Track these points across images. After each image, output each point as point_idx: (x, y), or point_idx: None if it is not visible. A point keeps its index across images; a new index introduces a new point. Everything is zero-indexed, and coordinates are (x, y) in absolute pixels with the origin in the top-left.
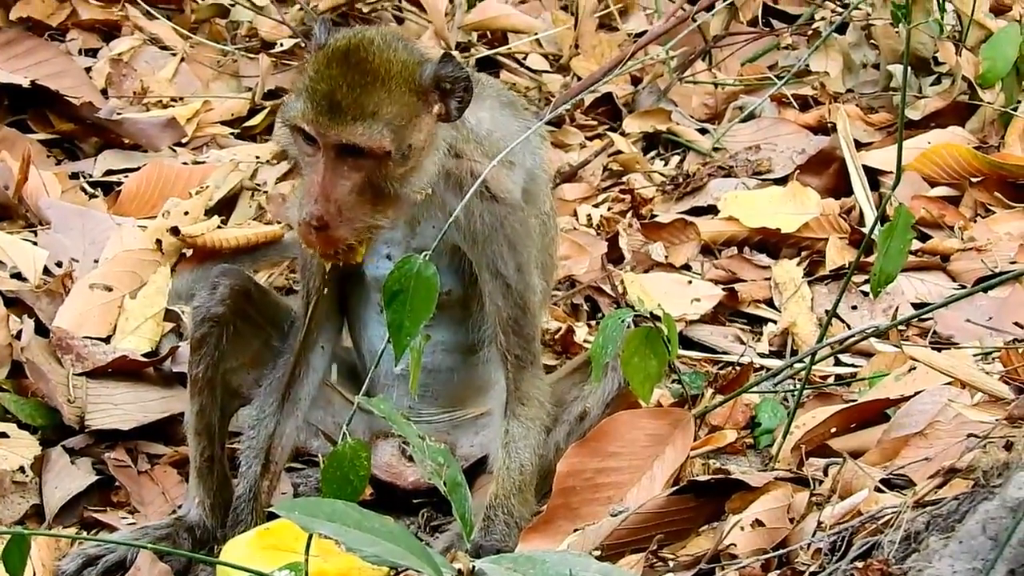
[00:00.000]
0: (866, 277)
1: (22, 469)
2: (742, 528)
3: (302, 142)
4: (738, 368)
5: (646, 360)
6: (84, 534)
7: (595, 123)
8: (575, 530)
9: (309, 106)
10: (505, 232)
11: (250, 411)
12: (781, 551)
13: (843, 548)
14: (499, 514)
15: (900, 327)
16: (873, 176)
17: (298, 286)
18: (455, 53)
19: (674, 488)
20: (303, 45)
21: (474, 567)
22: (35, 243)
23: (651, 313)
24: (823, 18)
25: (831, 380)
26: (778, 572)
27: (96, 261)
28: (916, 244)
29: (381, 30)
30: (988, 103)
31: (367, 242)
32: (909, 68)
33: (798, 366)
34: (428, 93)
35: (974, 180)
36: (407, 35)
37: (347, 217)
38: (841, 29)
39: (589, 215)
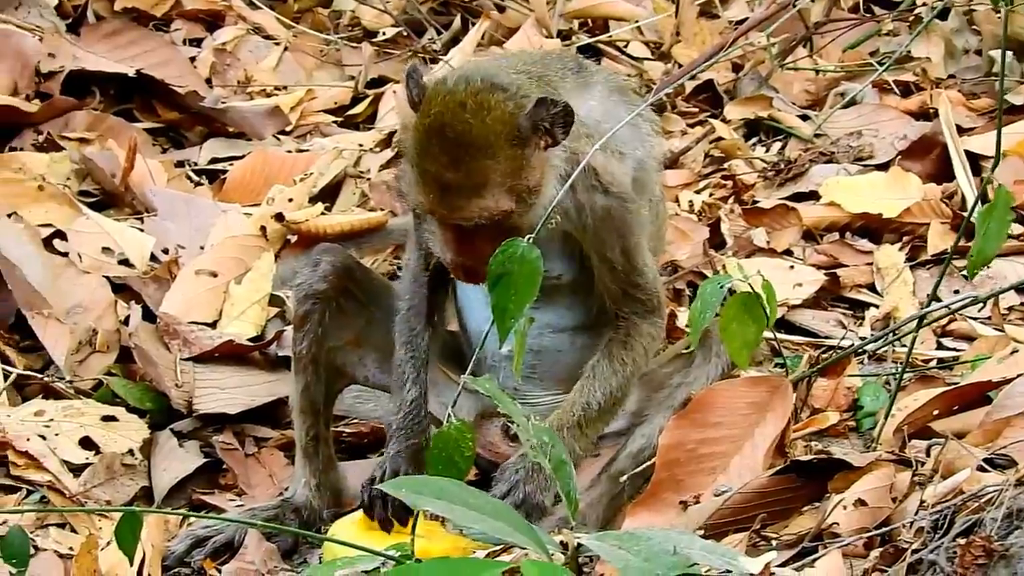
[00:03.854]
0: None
1: (131, 452)
2: (844, 507)
3: (428, 217)
4: (839, 351)
5: (744, 326)
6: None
7: (696, 110)
8: (681, 502)
9: (422, 193)
10: (614, 223)
11: (397, 330)
12: (883, 529)
13: (945, 526)
14: None
15: (1003, 312)
16: (975, 161)
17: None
18: (560, 42)
19: (776, 468)
20: (406, 34)
21: (579, 543)
22: (142, 230)
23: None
24: (924, 4)
25: (933, 364)
26: (880, 550)
27: (202, 247)
28: (1018, 229)
29: (470, 82)
30: None
31: None
32: (1010, 53)
33: (898, 346)
34: (530, 138)
35: None
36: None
37: (486, 262)
38: (943, 15)
39: (691, 201)
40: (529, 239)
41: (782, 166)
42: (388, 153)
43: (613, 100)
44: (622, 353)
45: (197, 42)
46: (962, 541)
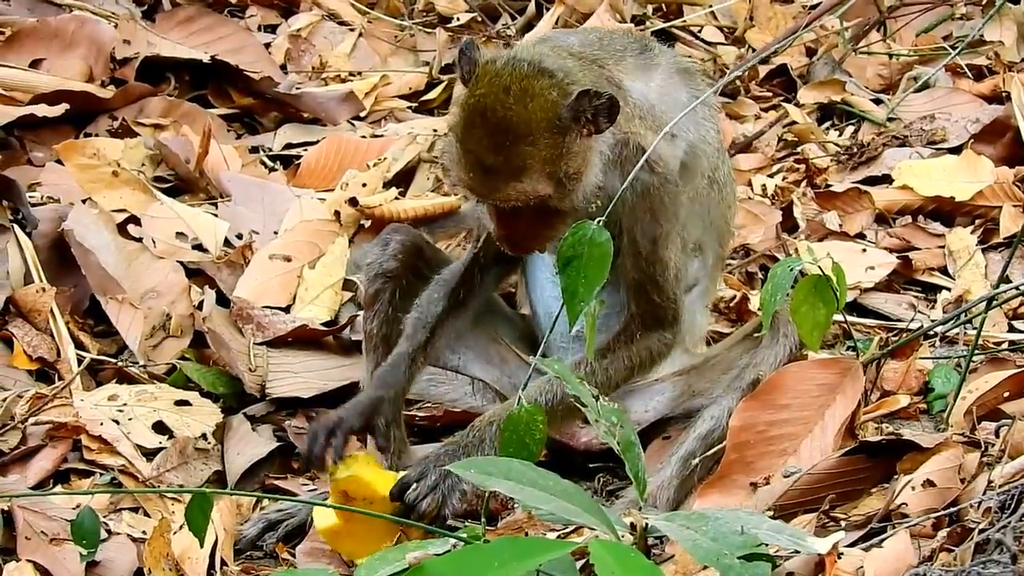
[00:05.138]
0: None
1: (204, 436)
2: (913, 488)
3: (468, 194)
4: (909, 333)
5: (815, 308)
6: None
7: (770, 94)
8: (751, 483)
9: (463, 172)
10: (651, 203)
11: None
12: (951, 510)
13: (1012, 506)
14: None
15: None
16: None
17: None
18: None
19: (846, 449)
20: (480, 19)
21: (647, 524)
22: (216, 215)
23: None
24: None
25: (1004, 346)
26: (947, 530)
27: (276, 232)
28: None
29: (517, 66)
30: None
31: None
32: None
33: (969, 329)
34: (571, 126)
35: None
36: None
37: (531, 238)
38: None
39: (764, 185)
40: (599, 221)
41: (855, 150)
42: None
43: (673, 82)
44: (606, 360)
45: (272, 28)
46: None
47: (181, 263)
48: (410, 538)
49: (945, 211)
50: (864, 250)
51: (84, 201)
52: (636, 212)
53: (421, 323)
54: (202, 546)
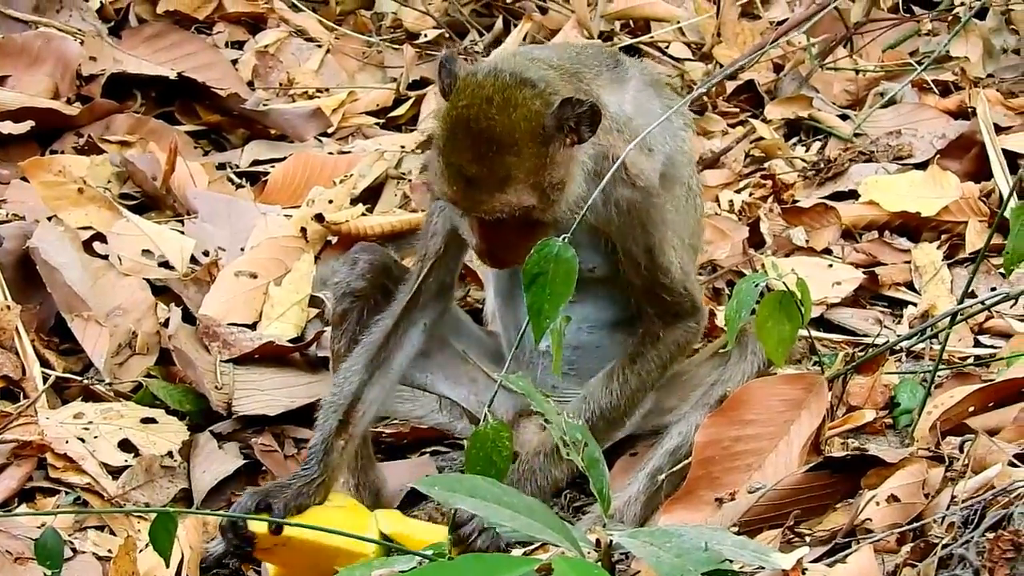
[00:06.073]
0: None
1: (170, 454)
2: (877, 503)
3: (452, 207)
4: (875, 348)
5: (780, 324)
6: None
7: (737, 110)
8: (717, 499)
9: (446, 182)
10: (639, 217)
11: (343, 364)
12: (915, 525)
13: (976, 521)
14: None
15: None
16: (1013, 160)
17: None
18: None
19: (811, 464)
20: (448, 36)
21: (611, 540)
22: (182, 232)
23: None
24: (963, 3)
25: (970, 361)
26: (911, 545)
27: (242, 249)
28: None
29: (499, 77)
30: None
31: None
32: None
33: (935, 344)
34: (554, 136)
35: None
36: (525, 70)
37: (512, 251)
38: (981, 14)
39: (731, 200)
40: (564, 238)
41: (822, 165)
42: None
43: (646, 95)
44: (626, 373)
45: (239, 45)
46: (991, 535)
47: (147, 280)
48: None
49: (911, 226)
50: (831, 265)
51: (50, 218)
52: (625, 228)
53: (333, 407)
54: (167, 565)
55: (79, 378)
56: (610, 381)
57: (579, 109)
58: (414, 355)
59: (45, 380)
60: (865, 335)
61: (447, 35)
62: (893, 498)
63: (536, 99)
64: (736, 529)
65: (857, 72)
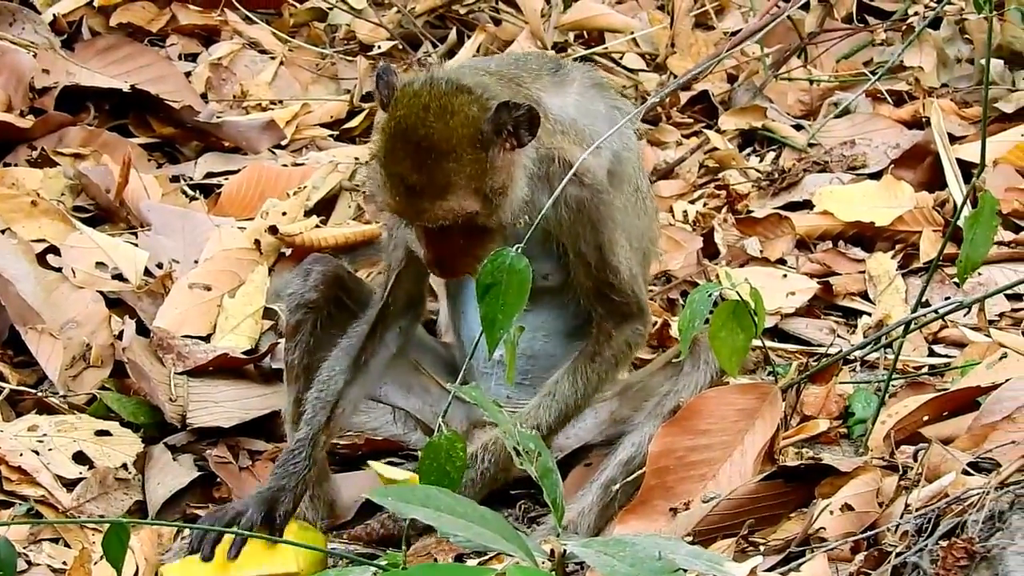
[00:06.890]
0: None
1: (125, 466)
2: (831, 512)
3: (396, 218)
4: (828, 358)
5: (733, 334)
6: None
7: (691, 121)
8: (671, 509)
9: (388, 193)
10: (588, 215)
11: (323, 364)
12: (869, 533)
13: (929, 529)
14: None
15: (994, 318)
16: (967, 169)
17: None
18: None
19: (765, 474)
20: (401, 47)
21: (565, 550)
22: (136, 245)
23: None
24: (917, 13)
25: (924, 370)
26: (865, 554)
27: (196, 262)
28: (1009, 236)
29: (435, 85)
30: None
31: None
32: (1001, 61)
33: (890, 353)
34: (493, 140)
35: None
36: (463, 78)
37: (461, 258)
38: (935, 24)
39: (685, 211)
40: (517, 248)
41: (776, 176)
42: None
43: (589, 95)
44: (587, 369)
45: (192, 57)
46: (945, 543)
47: (101, 293)
48: None
49: (866, 236)
50: (785, 275)
51: (3, 231)
52: (575, 227)
53: (321, 403)
54: None
55: (33, 391)
56: (574, 377)
57: (516, 113)
58: (390, 358)
59: None
60: (819, 345)
61: (400, 47)
62: (847, 507)
63: (473, 104)
64: (690, 538)
65: (811, 82)
